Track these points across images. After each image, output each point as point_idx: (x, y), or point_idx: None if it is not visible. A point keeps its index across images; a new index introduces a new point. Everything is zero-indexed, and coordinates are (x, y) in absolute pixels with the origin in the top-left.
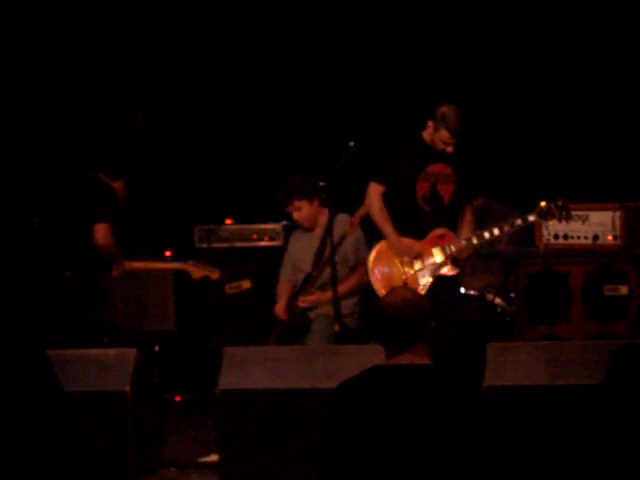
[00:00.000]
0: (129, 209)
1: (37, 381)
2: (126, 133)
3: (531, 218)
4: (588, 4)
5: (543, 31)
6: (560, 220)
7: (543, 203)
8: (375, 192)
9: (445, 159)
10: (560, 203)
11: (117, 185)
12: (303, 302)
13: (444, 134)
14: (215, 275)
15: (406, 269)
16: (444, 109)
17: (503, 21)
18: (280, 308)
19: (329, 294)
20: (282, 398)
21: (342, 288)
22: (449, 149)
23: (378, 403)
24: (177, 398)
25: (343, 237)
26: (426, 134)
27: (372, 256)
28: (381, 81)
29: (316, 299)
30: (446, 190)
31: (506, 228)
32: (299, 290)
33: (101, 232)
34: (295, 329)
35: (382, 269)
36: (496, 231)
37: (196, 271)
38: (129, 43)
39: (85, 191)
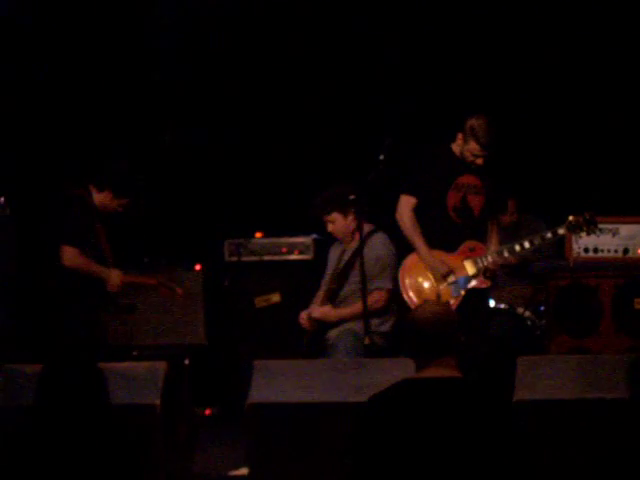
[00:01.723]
0: (161, 221)
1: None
2: (156, 148)
3: (561, 231)
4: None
5: (576, 45)
6: (589, 233)
7: (572, 217)
8: (406, 205)
9: (474, 171)
10: (588, 216)
11: (105, 195)
12: (312, 312)
13: (473, 146)
14: (178, 294)
15: (438, 281)
16: (473, 121)
17: (532, 37)
18: (302, 317)
19: (335, 312)
20: (312, 412)
21: (348, 310)
22: (478, 161)
23: (408, 416)
24: (207, 411)
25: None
26: (455, 146)
27: (403, 268)
28: (411, 94)
29: (322, 313)
30: (476, 202)
31: (536, 241)
32: (320, 302)
33: (65, 255)
34: (315, 339)
35: (413, 281)
36: (527, 244)
37: (161, 289)
38: (159, 55)
39: (54, 211)
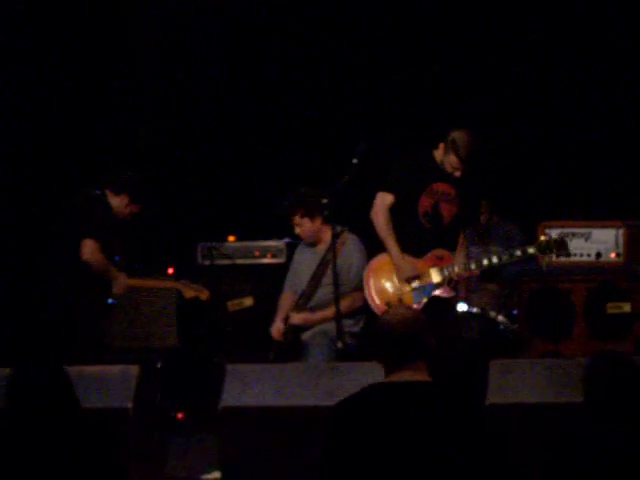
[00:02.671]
0: (133, 226)
1: (60, 399)
2: (128, 150)
3: (530, 250)
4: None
5: (542, 47)
6: (558, 255)
7: (543, 237)
8: (383, 203)
9: (451, 180)
10: (559, 239)
11: (120, 199)
12: (292, 319)
13: (453, 159)
14: (204, 295)
15: (402, 285)
16: (455, 134)
17: (505, 37)
18: (276, 329)
19: (317, 316)
20: (284, 415)
21: (328, 312)
22: (457, 173)
23: (378, 420)
24: (179, 415)
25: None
26: (437, 153)
27: (369, 268)
28: (387, 98)
29: (303, 319)
30: (448, 210)
31: (505, 258)
32: (294, 307)
33: (86, 248)
34: (287, 346)
35: (378, 282)
36: (495, 259)
37: (187, 290)
38: (134, 59)
39: (77, 208)
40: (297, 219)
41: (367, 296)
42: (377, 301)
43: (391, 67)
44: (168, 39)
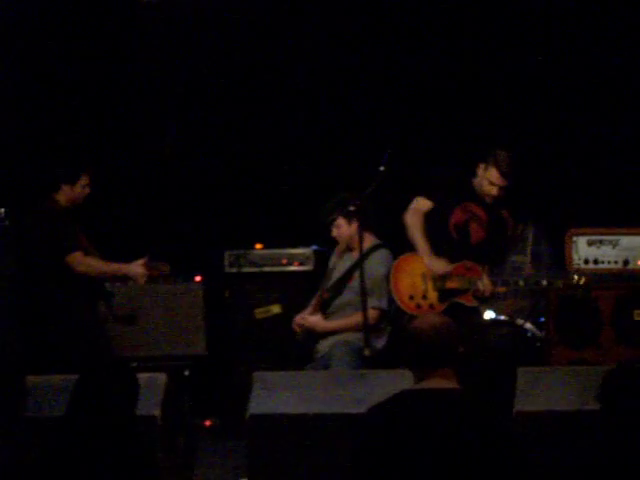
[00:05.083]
0: (162, 232)
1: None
2: (156, 159)
3: (556, 284)
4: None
5: (566, 55)
6: (582, 296)
7: (574, 277)
8: (420, 207)
9: (485, 207)
10: (585, 284)
11: (64, 193)
12: (304, 322)
13: (494, 174)
14: (166, 269)
15: (428, 286)
16: (497, 151)
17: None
18: (297, 321)
19: (324, 325)
20: (312, 423)
21: (334, 324)
22: (494, 192)
23: (408, 427)
24: (207, 423)
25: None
26: (475, 181)
27: (395, 266)
28: (415, 107)
29: (312, 323)
30: (476, 232)
31: (531, 283)
32: (312, 309)
33: (75, 262)
34: (300, 343)
35: (404, 279)
36: (521, 282)
37: (151, 272)
38: (157, 66)
39: (35, 232)
40: (337, 221)
41: (393, 293)
42: (403, 298)
43: (420, 78)
44: (201, 45)
